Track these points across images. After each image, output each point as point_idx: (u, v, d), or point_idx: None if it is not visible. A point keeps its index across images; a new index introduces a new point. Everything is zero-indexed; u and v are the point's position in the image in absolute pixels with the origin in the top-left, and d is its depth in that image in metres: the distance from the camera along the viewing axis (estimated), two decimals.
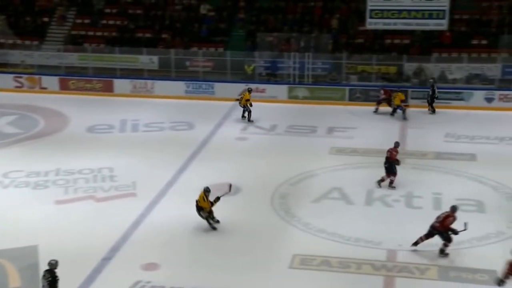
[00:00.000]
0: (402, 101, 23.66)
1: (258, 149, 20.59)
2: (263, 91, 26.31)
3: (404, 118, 23.30)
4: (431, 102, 24.19)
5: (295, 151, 20.25)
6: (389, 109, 23.95)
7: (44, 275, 11.23)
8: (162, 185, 17.46)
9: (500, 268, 12.72)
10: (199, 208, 14.94)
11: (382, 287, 12.57)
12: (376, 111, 24.14)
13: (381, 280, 12.76)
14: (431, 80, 24.59)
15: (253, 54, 27.59)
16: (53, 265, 11.26)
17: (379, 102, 24.38)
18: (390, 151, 17.21)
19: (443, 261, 13.31)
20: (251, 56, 27.57)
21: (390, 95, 24.13)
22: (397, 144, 17.48)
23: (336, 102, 25.27)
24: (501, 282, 12.12)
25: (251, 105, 23.12)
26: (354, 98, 25.52)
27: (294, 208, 16.05)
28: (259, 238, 14.58)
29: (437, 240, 13.86)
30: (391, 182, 17.15)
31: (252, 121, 23.08)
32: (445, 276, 12.82)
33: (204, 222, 15.08)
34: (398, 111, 23.60)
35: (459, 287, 12.50)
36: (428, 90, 24.33)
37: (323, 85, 26.39)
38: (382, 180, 17.21)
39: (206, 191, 14.93)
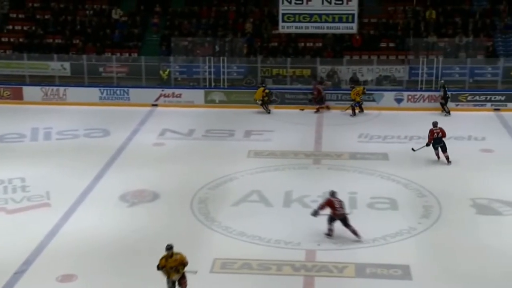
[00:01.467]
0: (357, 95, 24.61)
1: (176, 154, 20.46)
2: (179, 96, 26.18)
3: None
4: (445, 103, 24.74)
5: (213, 156, 20.26)
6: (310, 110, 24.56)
7: None
8: (77, 194, 17.04)
9: (412, 263, 13.27)
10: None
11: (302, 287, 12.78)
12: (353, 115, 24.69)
13: (301, 280, 12.97)
14: (442, 82, 25.18)
15: (168, 59, 27.40)
16: None
17: (318, 102, 24.89)
18: (438, 131, 19.10)
19: (360, 258, 13.68)
20: (166, 61, 27.36)
21: (319, 93, 24.68)
22: (435, 123, 19.42)
23: (253, 105, 25.48)
24: (315, 213, 14.44)
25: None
26: (270, 101, 25.82)
27: (213, 212, 16.05)
28: (179, 244, 14.35)
29: (354, 238, 14.29)
30: (448, 158, 19.03)
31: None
32: (362, 273, 13.19)
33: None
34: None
35: (375, 283, 12.89)
36: (440, 92, 24.87)
37: (239, 89, 26.56)
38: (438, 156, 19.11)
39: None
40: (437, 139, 19.23)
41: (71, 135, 22.30)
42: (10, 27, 29.76)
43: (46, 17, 30.11)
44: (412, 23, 28.59)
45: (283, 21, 24.64)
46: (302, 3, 24.17)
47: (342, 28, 24.90)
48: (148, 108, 25.62)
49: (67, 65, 27.60)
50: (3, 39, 29.19)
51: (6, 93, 26.50)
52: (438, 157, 19.38)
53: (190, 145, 21.41)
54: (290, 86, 26.50)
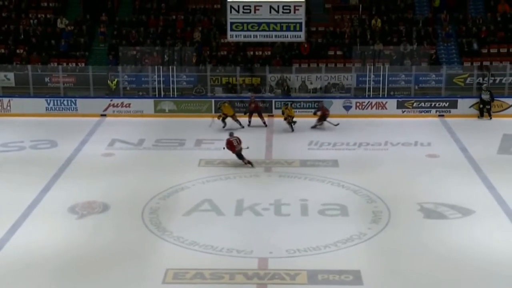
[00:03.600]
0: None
1: (126, 164, 20.23)
2: (128, 105, 25.91)
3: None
4: (490, 107, 25.10)
5: (164, 165, 20.12)
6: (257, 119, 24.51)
7: None
8: (24, 207, 16.66)
9: (363, 268, 13.47)
10: None
11: None
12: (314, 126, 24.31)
13: None
14: (485, 85, 25.55)
15: (116, 68, 27.10)
16: None
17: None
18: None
19: (312, 265, 13.79)
20: (114, 70, 27.06)
21: (257, 106, 24.64)
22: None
23: (203, 114, 25.43)
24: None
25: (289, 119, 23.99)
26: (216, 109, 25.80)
27: (165, 222, 15.93)
28: (131, 255, 14.32)
29: (306, 246, 14.42)
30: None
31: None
32: (314, 279, 13.29)
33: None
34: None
35: None
36: (485, 96, 25.06)
37: (188, 98, 26.48)
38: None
39: None
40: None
41: (16, 147, 21.79)
42: None
43: None
44: (359, 32, 29.11)
45: (232, 29, 24.65)
46: (250, 12, 24.23)
47: (290, 36, 25.04)
48: (97, 118, 25.24)
49: (11, 75, 27.00)
50: None
51: None
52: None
53: (140, 155, 21.21)
54: (240, 95, 26.56)
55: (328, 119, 24.31)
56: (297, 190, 18.00)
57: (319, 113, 24.62)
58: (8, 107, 25.87)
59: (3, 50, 28.48)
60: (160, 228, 15.67)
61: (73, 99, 26.04)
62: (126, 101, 26.07)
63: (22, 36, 29.09)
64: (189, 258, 14.15)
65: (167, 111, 25.99)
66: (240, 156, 19.65)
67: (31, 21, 29.87)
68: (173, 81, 26.68)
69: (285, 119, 24.27)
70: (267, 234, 15.23)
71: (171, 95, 26.66)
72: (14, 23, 29.57)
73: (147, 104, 26.16)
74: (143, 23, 29.73)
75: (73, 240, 15.01)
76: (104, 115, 25.68)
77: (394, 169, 19.60)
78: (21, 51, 28.46)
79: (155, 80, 26.73)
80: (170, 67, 26.86)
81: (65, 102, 25.98)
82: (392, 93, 26.41)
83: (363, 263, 13.89)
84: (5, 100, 25.94)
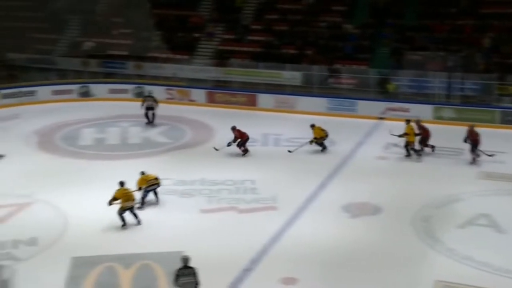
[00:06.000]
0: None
1: (399, 169, 20.12)
2: (407, 110, 25.72)
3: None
4: None
5: (438, 173, 19.55)
6: None
7: (183, 273, 11.63)
8: (301, 200, 17.57)
9: None
10: None
11: None
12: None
13: None
14: None
15: (397, 72, 27.08)
16: (187, 260, 11.73)
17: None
18: None
19: None
20: (395, 74, 27.09)
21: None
22: None
23: (486, 124, 24.09)
24: None
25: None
26: (506, 121, 24.17)
27: (437, 232, 15.46)
28: (399, 260, 14.22)
29: None
30: None
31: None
32: None
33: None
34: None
35: None
36: None
37: (472, 107, 25.25)
38: None
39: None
40: None
41: (299, 143, 23.06)
42: (250, 37, 31.75)
43: (283, 28, 31.60)
44: None
45: None
46: None
47: None
48: (375, 121, 25.54)
49: (298, 75, 28.69)
50: (243, 49, 31.25)
51: (243, 99, 28.33)
52: None
53: (414, 161, 20.88)
54: None
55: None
56: None
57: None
58: (294, 105, 27.56)
59: (293, 51, 30.40)
60: (432, 237, 15.25)
61: (353, 101, 26.72)
62: (404, 105, 25.92)
63: (311, 38, 30.71)
64: (461, 273, 13.53)
65: (446, 118, 25.12)
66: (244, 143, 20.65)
67: (321, 24, 31.35)
68: (456, 88, 25.74)
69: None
70: None
71: (453, 102, 25.76)
72: (306, 26, 31.34)
73: (426, 109, 25.64)
74: (428, 28, 29.22)
75: (344, 237, 15.40)
76: (382, 118, 25.87)
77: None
78: (309, 52, 30.07)
79: (437, 86, 26.08)
80: (454, 73, 25.93)
81: (346, 103, 26.78)
82: None
83: None
84: (292, 97, 27.68)
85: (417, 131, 20.95)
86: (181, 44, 32.25)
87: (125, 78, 30.39)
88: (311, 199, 17.78)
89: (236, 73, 29.48)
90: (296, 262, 14.13)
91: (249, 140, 22.03)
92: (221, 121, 25.84)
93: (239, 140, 21.41)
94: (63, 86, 29.64)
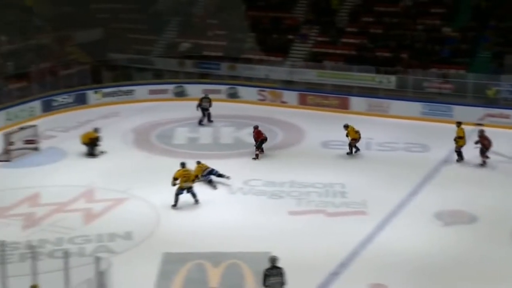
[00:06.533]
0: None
1: (496, 177, 19.40)
2: (507, 117, 24.65)
3: None
4: None
5: None
6: None
7: (271, 273, 11.74)
8: (392, 206, 17.28)
9: None
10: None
11: None
12: None
13: None
14: None
15: (499, 77, 26.02)
16: (275, 260, 11.82)
17: None
18: None
19: None
20: (495, 79, 26.04)
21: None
22: None
23: None
24: None
25: None
26: None
27: None
28: (494, 274, 13.69)
29: None
30: None
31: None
32: None
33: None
34: None
35: None
36: None
37: None
38: None
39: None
40: None
41: (390, 147, 22.68)
42: (344, 40, 31.52)
43: (378, 31, 31.13)
44: None
45: None
46: None
47: None
48: (472, 127, 24.67)
49: (392, 78, 28.17)
50: (337, 51, 31.06)
51: (335, 102, 28.15)
52: None
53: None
54: None
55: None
56: None
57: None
58: (387, 108, 27.09)
59: (387, 54, 29.89)
60: None
61: (449, 106, 25.93)
62: (505, 111, 24.87)
63: (407, 42, 30.06)
64: None
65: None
66: (260, 144, 21.17)
67: (418, 27, 30.62)
68: None
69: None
70: None
71: None
72: (402, 29, 30.70)
73: None
74: None
75: (435, 246, 15.01)
76: (480, 124, 24.91)
77: None
78: (404, 56, 29.45)
79: None
80: None
81: (442, 108, 26.02)
82: None
83: None
84: (385, 101, 27.22)
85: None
86: (275, 45, 32.43)
87: (219, 79, 30.94)
88: (403, 205, 17.44)
89: (328, 75, 29.33)
90: (385, 269, 13.91)
91: (336, 143, 21.79)
92: (311, 123, 25.81)
93: (260, 140, 21.45)
94: (159, 85, 30.56)
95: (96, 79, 30.06)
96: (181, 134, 24.80)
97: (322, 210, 17.22)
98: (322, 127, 25.28)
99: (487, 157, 20.23)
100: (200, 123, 25.90)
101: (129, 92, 29.68)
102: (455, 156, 20.89)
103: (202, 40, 33.65)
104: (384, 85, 28.22)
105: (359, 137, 21.58)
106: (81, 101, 28.52)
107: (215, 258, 14.43)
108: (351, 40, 31.34)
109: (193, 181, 17.45)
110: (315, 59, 30.93)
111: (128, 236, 15.75)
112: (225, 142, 23.74)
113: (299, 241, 15.34)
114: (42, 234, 15.82)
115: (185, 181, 17.19)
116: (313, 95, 28.74)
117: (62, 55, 31.01)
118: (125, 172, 20.26)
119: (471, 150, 20.50)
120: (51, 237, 15.63)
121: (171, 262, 14.34)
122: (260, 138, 21.62)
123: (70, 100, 28.22)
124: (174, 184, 17.16)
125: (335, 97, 28.28)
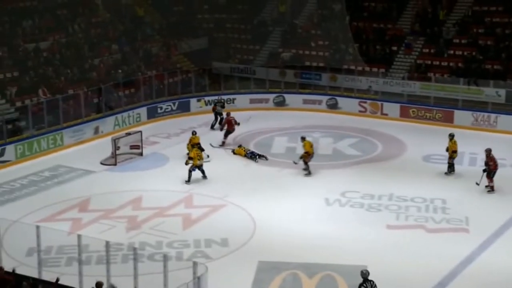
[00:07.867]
0: None
1: None
2: None
3: None
4: None
5: None
6: None
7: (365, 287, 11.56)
8: (496, 225, 16.55)
9: None
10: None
11: None
12: None
13: None
14: None
15: None
16: (366, 274, 11.61)
17: None
18: None
19: None
20: None
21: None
22: None
23: None
24: None
25: None
26: None
27: None
28: None
29: None
30: None
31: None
32: None
33: None
34: None
35: None
36: None
37: None
38: None
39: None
40: None
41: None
42: (451, 52, 30.52)
43: (488, 43, 29.91)
44: None
45: None
46: None
47: None
48: None
49: (502, 92, 26.95)
50: (442, 63, 30.13)
51: (438, 115, 27.30)
52: None
53: None
54: None
55: None
56: None
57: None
58: (495, 123, 25.95)
59: (498, 67, 28.63)
60: None
61: None
62: None
63: None
64: None
65: None
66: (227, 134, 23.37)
67: None
68: None
69: None
70: None
71: None
72: None
73: None
74: None
75: None
76: None
77: None
78: None
79: None
80: None
81: None
82: None
83: None
84: (493, 115, 26.09)
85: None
86: (378, 56, 31.92)
87: (319, 89, 30.82)
88: (507, 224, 16.61)
89: (433, 88, 28.46)
90: None
91: (438, 158, 21.49)
92: (413, 136, 25.14)
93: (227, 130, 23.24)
94: (260, 95, 30.84)
95: (199, 87, 30.79)
96: (280, 144, 24.89)
97: (422, 226, 16.72)
98: (424, 141, 24.55)
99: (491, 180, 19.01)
100: (212, 127, 26.36)
101: (231, 101, 30.16)
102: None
103: (305, 50, 33.70)
104: (493, 98, 27.04)
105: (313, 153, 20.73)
106: (184, 108, 29.33)
107: (310, 269, 14.34)
108: (459, 52, 30.31)
109: (203, 159, 20.12)
110: (419, 71, 30.15)
111: (224, 242, 15.98)
112: (323, 153, 23.57)
113: (396, 256, 14.97)
114: (143, 237, 16.36)
115: (198, 159, 19.78)
116: (416, 107, 28.00)
117: (168, 63, 32.04)
118: (223, 179, 20.58)
119: None
120: (151, 240, 16.14)
121: (266, 271, 14.39)
122: (228, 128, 22.87)
123: (174, 107, 29.10)
124: (187, 163, 19.84)
125: (439, 110, 27.41)
